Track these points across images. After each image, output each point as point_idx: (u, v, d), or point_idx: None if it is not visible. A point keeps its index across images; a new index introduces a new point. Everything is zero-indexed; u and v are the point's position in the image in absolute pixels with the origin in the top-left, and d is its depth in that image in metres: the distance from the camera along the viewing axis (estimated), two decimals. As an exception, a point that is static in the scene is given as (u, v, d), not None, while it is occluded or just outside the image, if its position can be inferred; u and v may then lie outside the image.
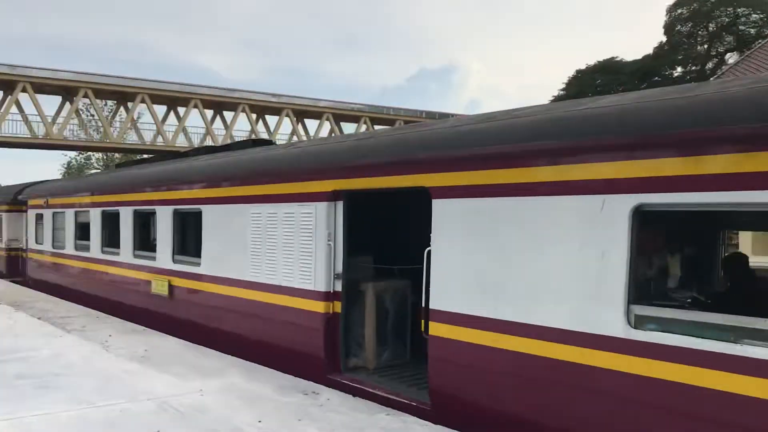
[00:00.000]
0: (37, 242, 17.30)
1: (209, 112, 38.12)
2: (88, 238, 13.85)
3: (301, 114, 41.63)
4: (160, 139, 36.51)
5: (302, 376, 7.37)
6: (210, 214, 9.49)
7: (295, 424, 5.81)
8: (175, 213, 10.52)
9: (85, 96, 33.70)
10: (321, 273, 7.35)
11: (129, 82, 35.20)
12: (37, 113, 32.57)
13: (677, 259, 5.88)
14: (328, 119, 41.42)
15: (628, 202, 4.62)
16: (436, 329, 5.99)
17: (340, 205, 7.32)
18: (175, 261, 10.42)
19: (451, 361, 5.89)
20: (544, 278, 5.18)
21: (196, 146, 38.60)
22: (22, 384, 7.02)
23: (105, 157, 72.76)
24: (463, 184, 5.84)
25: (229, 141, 38.82)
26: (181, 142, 37.42)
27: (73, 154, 72.85)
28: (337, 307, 7.34)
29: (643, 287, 5.09)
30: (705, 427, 4.22)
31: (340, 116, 43.01)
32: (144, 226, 12.17)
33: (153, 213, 11.32)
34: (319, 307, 7.38)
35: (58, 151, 61.57)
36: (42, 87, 33.06)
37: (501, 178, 5.53)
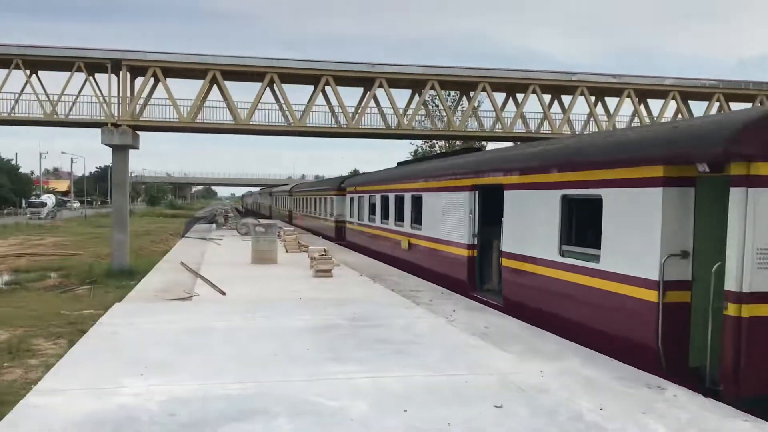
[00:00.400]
0: (350, 216, 24.95)
1: (546, 97, 38.12)
2: (374, 213, 20.91)
3: (643, 94, 39.37)
4: (498, 125, 37.64)
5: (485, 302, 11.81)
6: (425, 198, 15.75)
7: (638, 416, 5.57)
8: (410, 197, 17.00)
9: (432, 88, 36.24)
10: (466, 232, 13.02)
11: (471, 72, 36.83)
12: (390, 106, 35.98)
13: (580, 223, 9.43)
14: (674, 98, 38.47)
15: (558, 193, 9.48)
16: (504, 262, 11.20)
17: (475, 194, 12.86)
18: (412, 227, 16.75)
19: (508, 279, 11.06)
20: (535, 234, 10.12)
21: (532, 131, 39.02)
22: (381, 348, 7.87)
23: (447, 145, 77.53)
24: (510, 183, 11.08)
25: (566, 125, 38.40)
26: (519, 129, 38.15)
27: (419, 142, 79.05)
28: (474, 252, 12.92)
29: (566, 236, 9.43)
30: (578, 302, 8.75)
31: (687, 94, 39.60)
32: (396, 205, 18.36)
33: (402, 197, 17.83)
34: (463, 252, 13.19)
35: (406, 140, 67.46)
36: (395, 82, 36.37)
37: (522, 181, 10.70)
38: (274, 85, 34.37)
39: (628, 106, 39.06)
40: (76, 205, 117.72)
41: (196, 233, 31.48)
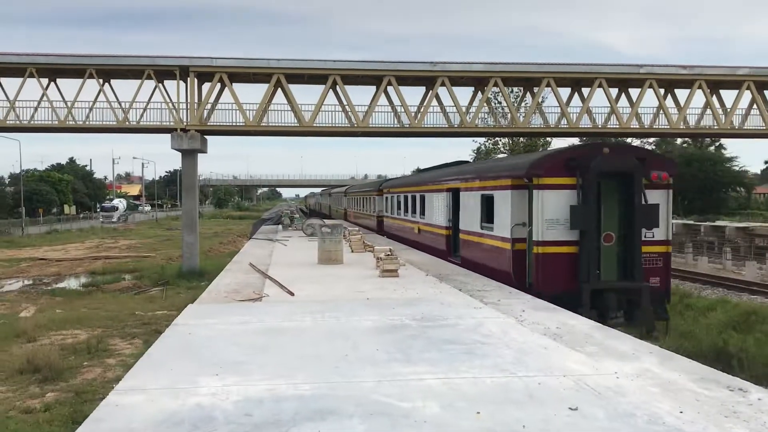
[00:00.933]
0: (386, 211, 31.73)
1: (614, 91, 37.18)
2: (399, 209, 27.46)
3: (716, 85, 37.96)
4: (564, 121, 36.95)
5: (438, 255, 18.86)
6: (426, 197, 21.83)
7: (721, 420, 5.36)
8: (418, 197, 23.15)
9: (495, 85, 35.87)
10: (444, 219, 19.16)
11: (534, 67, 36.27)
12: (453, 104, 35.77)
13: (488, 209, 15.32)
14: (748, 88, 36.94)
15: (479, 193, 16.24)
16: (460, 235, 17.75)
17: (449, 194, 18.89)
18: (420, 218, 22.78)
19: (462, 245, 17.91)
20: (471, 217, 16.55)
21: (599, 126, 38.12)
22: (451, 348, 7.83)
23: (511, 142, 76.59)
24: (460, 187, 18.01)
25: (634, 119, 37.35)
26: (585, 124, 37.34)
27: (482, 139, 78.34)
28: (450, 231, 18.89)
29: (483, 217, 15.68)
30: (487, 251, 15.52)
31: (763, 84, 38.00)
32: (411, 202, 24.52)
33: (414, 196, 23.87)
34: (443, 232, 19.34)
35: (469, 138, 66.92)
36: (457, 80, 36.16)
37: (465, 186, 17.75)
38: (337, 86, 34.67)
39: (699, 98, 37.73)
40: (147, 208, 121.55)
41: (262, 234, 32.04)
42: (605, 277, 13.17)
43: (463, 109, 36.36)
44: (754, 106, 38.25)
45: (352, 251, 21.03)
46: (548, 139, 74.67)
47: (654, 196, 13.37)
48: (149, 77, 32.76)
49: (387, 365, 7.03)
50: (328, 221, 25.96)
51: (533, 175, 13.29)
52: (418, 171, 32.64)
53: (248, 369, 6.90)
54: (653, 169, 13.39)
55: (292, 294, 12.24)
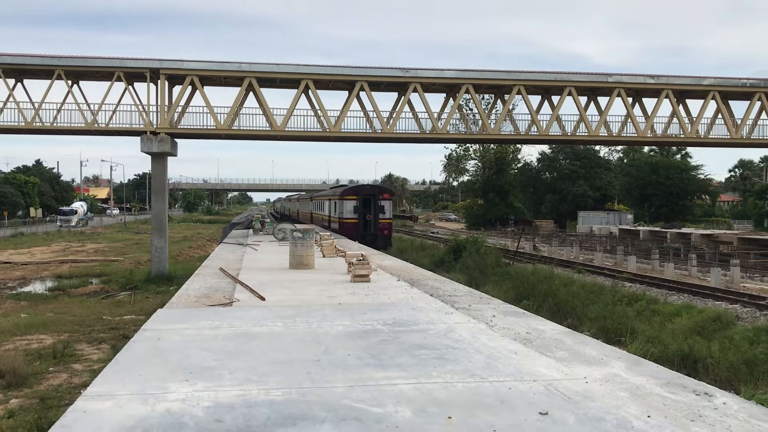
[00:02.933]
0: (315, 211, 51.37)
1: (583, 99, 37.68)
2: (319, 209, 49.86)
3: (682, 94, 38.69)
4: (534, 129, 37.32)
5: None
6: (327, 203, 46.04)
7: (687, 424, 5.46)
8: (325, 202, 46.87)
9: (466, 92, 36.11)
10: (337, 215, 41.72)
11: (505, 75, 36.61)
12: (425, 111, 35.91)
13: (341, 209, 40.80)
14: (713, 98, 37.71)
15: (334, 201, 44.02)
16: (340, 222, 42.61)
17: (336, 200, 42.96)
18: (329, 214, 44.75)
19: (339, 225, 42.28)
20: (342, 212, 40.39)
21: (568, 134, 38.56)
22: (422, 354, 7.85)
23: (482, 148, 77.14)
24: (330, 197, 46.60)
25: (603, 127, 37.86)
26: (554, 131, 37.75)
27: (453, 145, 78.76)
28: (339, 221, 41.42)
29: (340, 211, 41.09)
30: (343, 225, 39.71)
31: (728, 94, 38.82)
32: (323, 205, 47.63)
33: (325, 202, 46.95)
34: (335, 221, 42.20)
35: (440, 144, 67.17)
36: (429, 86, 36.34)
37: (328, 197, 47.67)
38: (309, 91, 34.61)
39: (666, 107, 38.40)
40: (116, 212, 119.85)
41: (233, 239, 31.81)
42: (371, 231, 37.99)
43: (435, 115, 36.54)
44: (719, 115, 39.05)
45: (324, 256, 20.99)
46: (518, 146, 75.44)
47: (385, 203, 39.14)
48: (119, 79, 32.37)
49: (359, 370, 7.03)
50: (299, 226, 25.87)
51: (343, 195, 39.58)
52: (331, 187, 62.71)
53: (219, 374, 6.85)
54: (383, 192, 40.74)
55: (263, 299, 12.18)
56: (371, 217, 38.50)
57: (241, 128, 34.89)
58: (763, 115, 39.34)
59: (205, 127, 34.14)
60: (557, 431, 5.27)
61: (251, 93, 34.37)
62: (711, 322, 16.84)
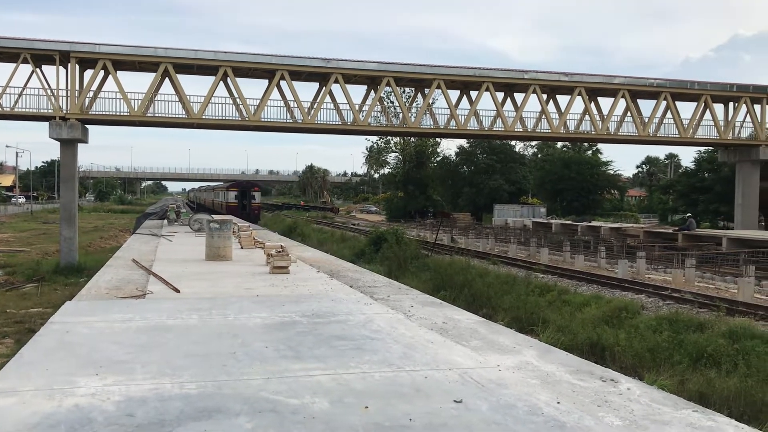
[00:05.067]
0: (215, 198, 75.30)
1: (500, 95, 38.55)
2: (215, 197, 74.81)
3: (593, 92, 40.14)
4: (453, 123, 37.88)
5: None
6: (221, 192, 69.29)
7: (594, 409, 5.69)
8: (220, 192, 70.99)
9: (387, 84, 36.29)
10: (227, 201, 61.82)
11: (425, 69, 37.02)
12: (346, 102, 35.88)
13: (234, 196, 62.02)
14: (623, 96, 39.32)
15: (228, 191, 64.86)
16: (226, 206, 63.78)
17: (228, 191, 64.31)
18: (223, 200, 65.19)
19: (227, 209, 62.86)
20: (226, 198, 62.91)
21: (486, 128, 39.34)
22: (340, 345, 7.87)
23: (402, 141, 77.76)
24: (224, 188, 70.54)
25: (518, 122, 38.80)
26: (472, 126, 38.45)
27: (374, 138, 79.07)
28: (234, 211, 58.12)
29: (233, 199, 61.77)
30: (227, 207, 60.52)
31: (636, 93, 40.57)
32: (218, 195, 72.18)
33: (219, 192, 71.77)
34: (224, 209, 60.79)
35: (362, 136, 67.58)
36: (351, 78, 36.32)
37: (224, 188, 70.02)
38: (228, 79, 33.95)
39: (579, 104, 39.76)
40: (22, 200, 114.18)
41: (146, 229, 30.91)
42: (246, 211, 57.85)
43: (357, 107, 36.54)
44: (628, 113, 40.74)
45: (242, 247, 20.70)
46: (438, 139, 76.41)
47: (255, 193, 62.11)
48: (25, 61, 30.83)
49: (276, 362, 6.98)
50: (216, 216, 25.38)
51: (229, 188, 63.50)
52: (226, 182, 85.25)
53: (131, 368, 6.66)
54: (254, 186, 64.51)
55: (177, 291, 11.90)
56: (246, 202, 60.49)
57: (156, 115, 33.90)
58: (669, 114, 41.31)
59: (118, 114, 33.00)
60: (471, 418, 5.39)
61: (167, 79, 33.41)
62: (618, 312, 17.58)
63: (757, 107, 42.96)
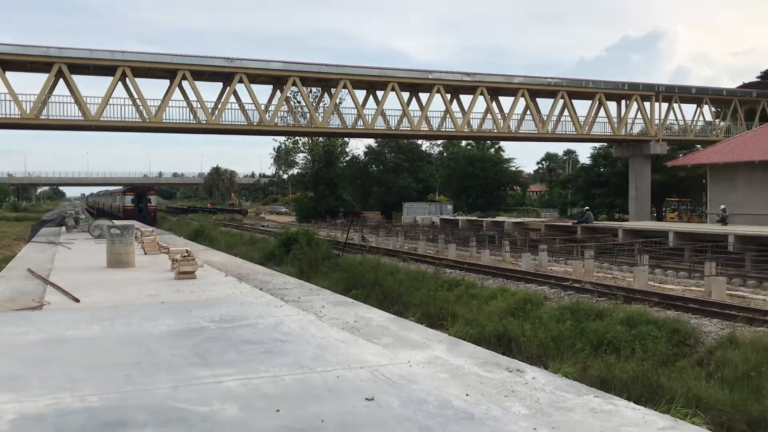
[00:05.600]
0: (113, 202, 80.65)
1: (406, 95, 39.03)
2: (113, 201, 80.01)
3: (495, 92, 41.28)
4: (360, 122, 38.09)
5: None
6: (114, 197, 77.70)
7: (502, 400, 5.86)
8: (117, 195, 75.56)
9: (294, 84, 36.02)
10: (124, 204, 65.41)
11: (331, 69, 37.03)
12: (252, 102, 35.40)
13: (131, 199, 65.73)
14: (523, 95, 40.63)
15: (119, 195, 75.61)
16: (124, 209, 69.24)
17: (124, 195, 68.69)
18: (112, 205, 79.32)
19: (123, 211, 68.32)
20: (122, 200, 67.87)
21: (393, 128, 39.70)
22: (250, 349, 7.75)
23: (310, 141, 77.39)
24: (123, 192, 70.75)
25: (424, 122, 39.38)
26: (379, 125, 38.76)
27: (282, 138, 78.30)
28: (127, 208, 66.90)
29: (129, 200, 64.80)
30: (120, 209, 64.50)
31: (535, 92, 42.03)
32: (115, 198, 76.73)
33: (116, 195, 76.40)
34: (122, 212, 66.22)
35: (270, 137, 66.83)
36: (256, 77, 35.83)
37: (123, 193, 71.65)
38: (127, 79, 32.79)
39: (481, 103, 40.79)
40: None
41: (43, 237, 29.42)
42: (143, 214, 58.61)
43: (263, 107, 36.11)
44: (528, 111, 42.14)
45: (146, 253, 20.05)
46: (346, 139, 76.55)
47: (151, 197, 64.20)
48: None
49: (183, 370, 6.80)
50: (118, 222, 24.44)
51: (125, 192, 66.04)
52: (123, 185, 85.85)
53: (27, 383, 6.32)
54: (150, 190, 68.75)
55: (77, 300, 11.39)
56: (143, 205, 61.86)
57: (51, 118, 32.33)
58: (566, 112, 43.01)
59: (8, 116, 31.23)
60: (382, 415, 5.44)
61: (62, 80, 31.92)
62: (523, 303, 18.15)
63: (647, 104, 45.37)
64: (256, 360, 7.20)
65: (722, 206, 34.07)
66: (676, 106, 46.98)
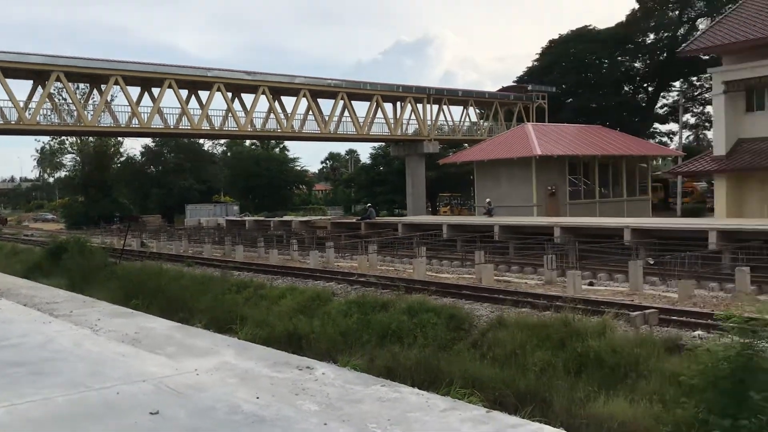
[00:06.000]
0: None
1: (184, 93, 37.66)
2: None
3: (277, 91, 41.29)
4: (135, 121, 36.07)
5: None
6: None
7: (292, 398, 5.87)
8: None
9: (58, 79, 33.12)
10: None
11: (101, 64, 34.60)
12: (8, 98, 31.99)
13: None
14: (305, 96, 41.10)
15: None
16: None
17: None
18: None
19: None
20: None
21: (172, 126, 38.14)
22: (14, 372, 6.99)
23: (79, 141, 71.78)
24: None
25: (205, 121, 38.34)
26: (157, 124, 36.99)
27: (46, 139, 71.79)
28: None
29: None
30: None
31: (317, 92, 42.72)
32: None
33: None
34: None
35: (31, 137, 60.85)
36: (11, 72, 32.41)
37: None
38: None
39: (264, 103, 40.65)
40: None
41: None
42: None
43: (21, 104, 32.81)
44: (310, 112, 42.77)
45: None
46: (120, 138, 72.24)
47: None
48: None
49: (-69, 403, 5.96)
50: None
51: None
52: None
53: None
54: None
55: None
56: None
57: None
58: (347, 113, 44.29)
59: None
60: (169, 428, 5.20)
61: None
62: (312, 301, 18.39)
63: (420, 106, 48.18)
64: (23, 383, 6.52)
65: (488, 200, 37.21)
66: (445, 107, 50.48)
